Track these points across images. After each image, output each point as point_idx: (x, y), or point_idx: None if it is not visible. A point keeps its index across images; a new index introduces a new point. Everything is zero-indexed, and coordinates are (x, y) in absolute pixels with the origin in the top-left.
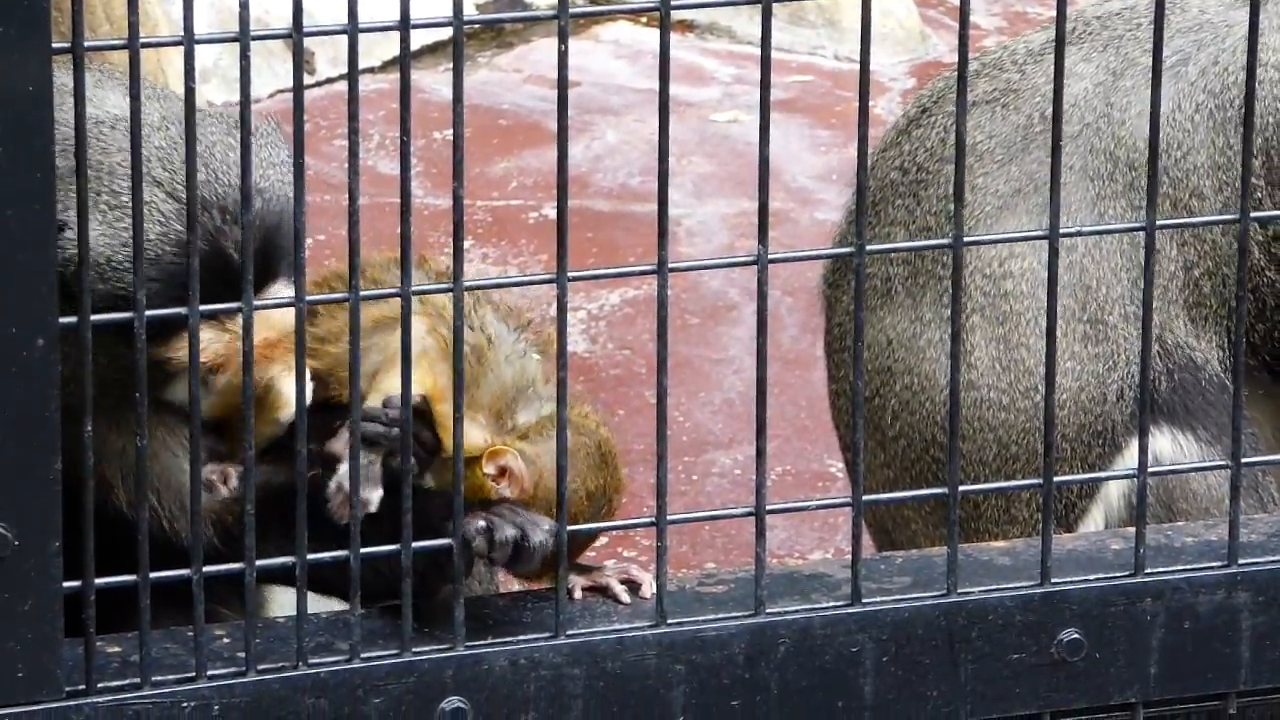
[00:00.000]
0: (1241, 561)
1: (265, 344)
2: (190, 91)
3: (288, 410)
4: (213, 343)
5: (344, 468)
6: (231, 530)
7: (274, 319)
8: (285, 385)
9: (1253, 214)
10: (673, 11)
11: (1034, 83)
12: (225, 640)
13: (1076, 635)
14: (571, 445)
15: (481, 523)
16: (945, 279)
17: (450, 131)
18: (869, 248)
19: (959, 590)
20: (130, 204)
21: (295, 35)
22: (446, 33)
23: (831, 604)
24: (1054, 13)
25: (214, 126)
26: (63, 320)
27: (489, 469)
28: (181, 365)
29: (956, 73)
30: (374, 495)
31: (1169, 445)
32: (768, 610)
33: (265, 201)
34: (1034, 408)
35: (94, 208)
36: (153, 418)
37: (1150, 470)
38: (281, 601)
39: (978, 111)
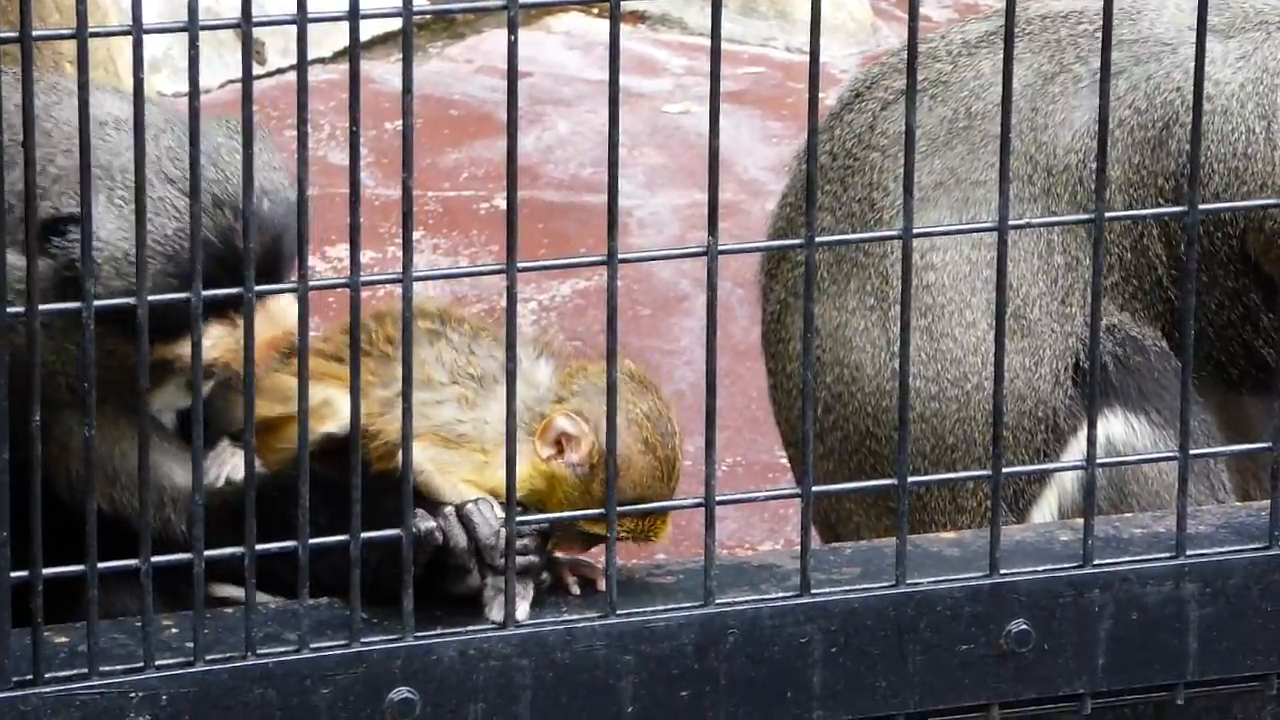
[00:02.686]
0: (1189, 553)
1: (273, 343)
2: (139, 82)
3: (340, 422)
4: (223, 338)
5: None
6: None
7: (282, 320)
8: (341, 402)
9: (1201, 205)
10: (624, 2)
11: (963, 76)
12: (173, 630)
13: (1025, 626)
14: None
15: (431, 523)
16: (869, 266)
17: (400, 122)
18: (818, 239)
19: (908, 581)
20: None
21: (244, 25)
22: (397, 23)
23: (780, 595)
24: (1003, 3)
25: (220, 129)
26: (11, 310)
27: (545, 450)
28: (187, 364)
29: (897, 61)
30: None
31: (1122, 428)
32: (717, 601)
33: (272, 204)
34: (964, 396)
35: (108, 203)
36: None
37: (1099, 462)
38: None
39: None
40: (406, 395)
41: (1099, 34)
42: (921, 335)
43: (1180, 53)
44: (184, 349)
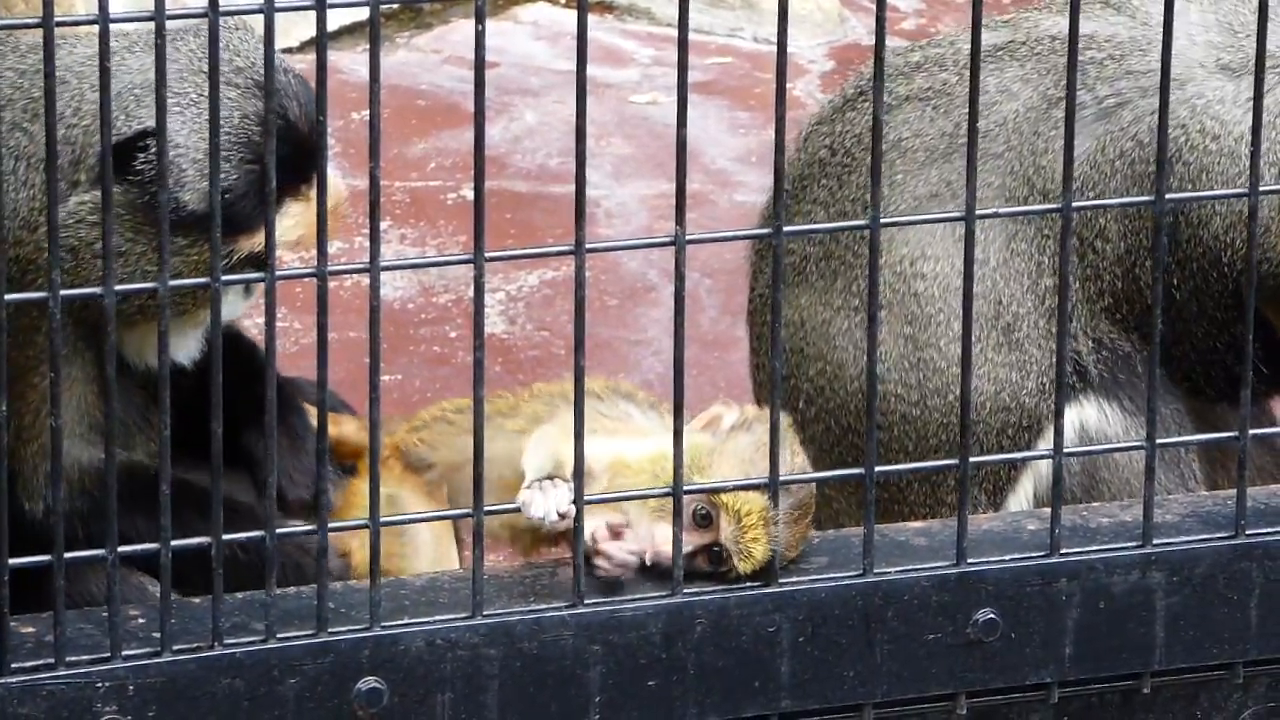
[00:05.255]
0: (1156, 542)
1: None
2: (105, 71)
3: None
4: (302, 214)
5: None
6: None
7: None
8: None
9: (1168, 195)
10: None
11: (967, 91)
12: (140, 620)
13: (992, 615)
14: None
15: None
16: (856, 266)
17: (368, 112)
18: (787, 229)
19: (875, 571)
20: (205, 100)
21: (211, 15)
22: (364, 13)
23: (748, 584)
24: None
25: (236, 31)
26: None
27: (700, 424)
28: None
29: (903, 63)
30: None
31: (1095, 414)
32: (684, 590)
33: (300, 101)
34: (946, 406)
35: (173, 110)
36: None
37: (1066, 451)
38: None
39: (909, 107)
40: (374, 385)
41: (1107, 63)
42: (906, 344)
43: (1188, 89)
44: (261, 239)
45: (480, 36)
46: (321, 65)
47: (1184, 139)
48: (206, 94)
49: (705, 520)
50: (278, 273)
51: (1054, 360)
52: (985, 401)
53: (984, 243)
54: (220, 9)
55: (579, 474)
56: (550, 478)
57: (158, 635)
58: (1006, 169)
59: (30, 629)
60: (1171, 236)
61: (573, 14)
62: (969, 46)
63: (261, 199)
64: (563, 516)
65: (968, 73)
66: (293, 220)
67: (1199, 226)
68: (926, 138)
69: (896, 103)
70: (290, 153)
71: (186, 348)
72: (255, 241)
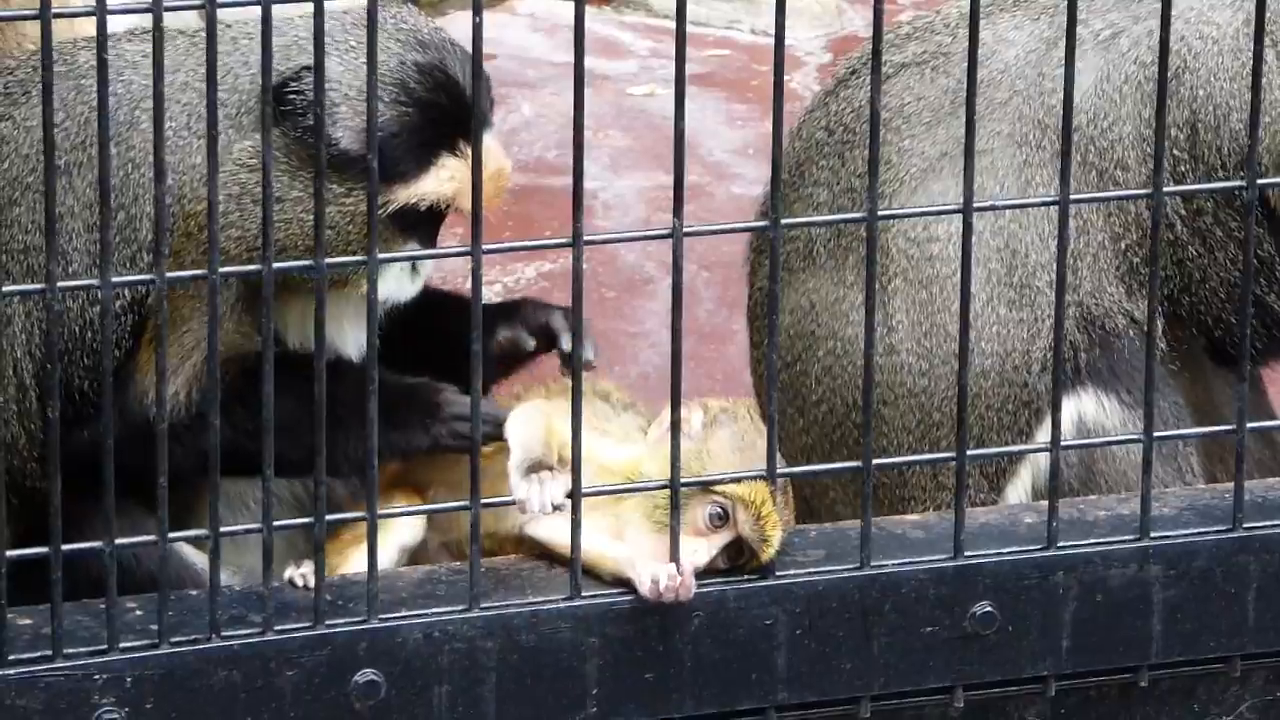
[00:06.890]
0: (1153, 535)
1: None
2: (103, 63)
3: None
4: (458, 170)
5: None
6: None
7: (494, 161)
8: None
9: (1166, 188)
10: None
11: (964, 47)
12: (138, 612)
13: (989, 608)
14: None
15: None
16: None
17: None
18: (784, 221)
19: (872, 563)
20: (362, 46)
21: (209, 8)
22: (361, 4)
23: (745, 577)
24: None
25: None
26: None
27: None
28: (432, 197)
29: (893, 36)
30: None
31: (1093, 406)
32: None
33: (448, 43)
34: (954, 374)
35: (331, 53)
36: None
37: (1063, 445)
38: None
39: (907, 73)
40: (372, 379)
41: None
42: (918, 310)
43: (1178, 4)
44: (422, 188)
45: (477, 28)
46: (319, 59)
47: (1186, 50)
48: (364, 43)
49: (721, 520)
50: (275, 265)
51: (1067, 313)
52: (993, 366)
53: (998, 195)
54: (218, 2)
55: (576, 469)
56: (546, 467)
57: (155, 627)
58: (1015, 114)
59: (28, 620)
60: (1190, 151)
61: (570, 5)
62: (956, 10)
63: (416, 142)
64: (556, 509)
65: (960, 31)
66: (449, 173)
67: (1218, 129)
68: (929, 98)
69: (894, 71)
70: (448, 105)
71: (354, 334)
72: (412, 192)
